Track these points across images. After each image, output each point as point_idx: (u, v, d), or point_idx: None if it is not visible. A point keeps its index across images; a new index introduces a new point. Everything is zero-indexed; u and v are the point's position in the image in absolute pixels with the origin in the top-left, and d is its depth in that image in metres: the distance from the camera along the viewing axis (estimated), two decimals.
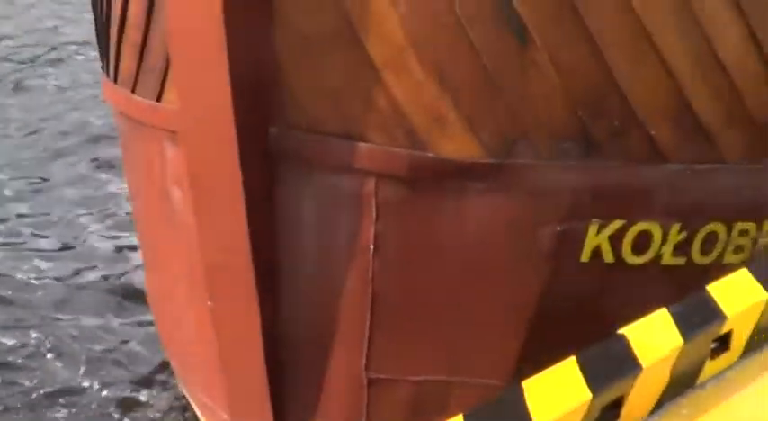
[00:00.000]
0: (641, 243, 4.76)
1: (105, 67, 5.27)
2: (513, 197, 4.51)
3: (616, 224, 4.68)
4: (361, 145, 4.34)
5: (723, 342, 4.05)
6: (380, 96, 4.29)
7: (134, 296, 7.29)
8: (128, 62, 4.86)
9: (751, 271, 4.18)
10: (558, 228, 4.61)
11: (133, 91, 4.86)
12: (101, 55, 5.38)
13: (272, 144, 4.35)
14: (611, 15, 4.29)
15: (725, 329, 3.99)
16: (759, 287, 4.07)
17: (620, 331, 3.84)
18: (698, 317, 3.94)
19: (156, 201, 5.02)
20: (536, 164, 4.48)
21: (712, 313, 3.97)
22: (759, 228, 5.00)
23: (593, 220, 4.65)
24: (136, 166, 5.24)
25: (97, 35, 5.37)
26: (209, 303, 4.62)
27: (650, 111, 4.49)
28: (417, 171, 4.41)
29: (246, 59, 4.15)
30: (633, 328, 3.87)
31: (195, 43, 4.13)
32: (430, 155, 4.38)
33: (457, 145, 4.38)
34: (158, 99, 4.68)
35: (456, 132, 4.36)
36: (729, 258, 4.98)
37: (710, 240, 4.90)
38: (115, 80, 5.06)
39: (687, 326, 3.87)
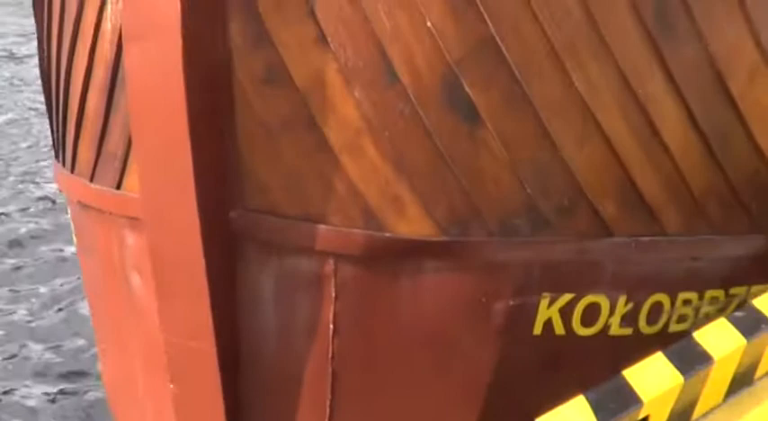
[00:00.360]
0: (590, 315, 4.92)
1: (61, 158, 5.36)
2: (467, 274, 4.66)
3: (566, 297, 4.85)
4: (320, 227, 4.48)
5: None
6: (338, 179, 4.44)
7: None
8: (86, 153, 4.96)
9: (666, 355, 4.32)
10: (511, 303, 4.77)
11: (91, 180, 4.96)
12: (55, 146, 5.48)
13: (233, 228, 4.46)
14: (557, 97, 4.50)
15: (642, 415, 4.10)
16: (675, 371, 4.20)
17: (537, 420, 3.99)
18: (614, 403, 4.04)
19: (114, 287, 5.09)
20: (488, 241, 4.64)
21: (629, 398, 4.06)
22: (701, 298, 5.20)
23: (545, 294, 4.81)
24: (93, 254, 5.31)
25: (52, 128, 5.47)
26: (170, 386, 4.69)
27: (596, 187, 4.68)
28: (375, 251, 4.54)
29: (208, 147, 4.28)
30: (551, 416, 4.00)
31: (158, 134, 4.25)
32: (387, 234, 4.52)
33: (412, 224, 4.53)
34: (118, 187, 4.78)
35: (411, 212, 4.51)
36: (674, 327, 5.16)
37: (656, 310, 5.08)
38: (72, 170, 5.16)
39: (604, 412, 3.98)
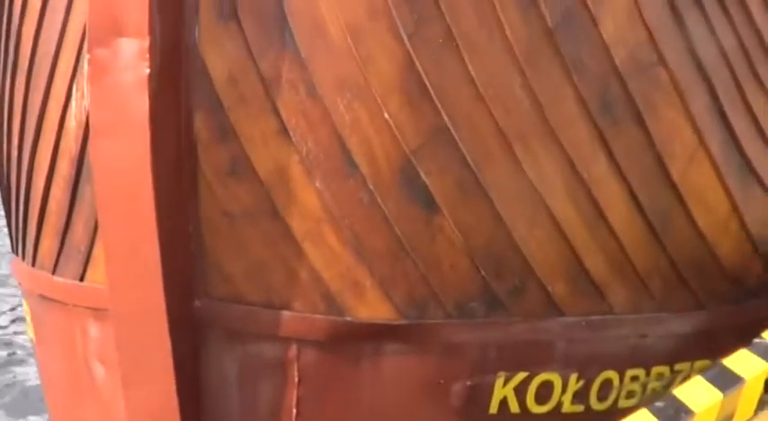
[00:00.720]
0: (544, 393, 5.09)
1: (20, 252, 5.44)
2: (425, 356, 4.82)
3: (520, 376, 5.01)
4: (284, 313, 4.61)
5: None
6: (301, 267, 4.58)
7: None
8: (48, 246, 5.05)
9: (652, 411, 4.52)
10: (468, 383, 4.92)
11: (54, 273, 5.04)
12: (14, 241, 5.55)
13: (198, 316, 4.57)
14: (509, 183, 4.71)
15: None
16: None
17: None
18: None
19: (75, 379, 5.15)
20: (445, 323, 4.80)
21: None
22: (647, 374, 5.39)
23: (500, 373, 4.97)
24: (53, 345, 5.37)
25: (10, 222, 5.55)
26: None
27: (547, 269, 4.88)
28: (336, 335, 4.68)
29: (174, 237, 4.41)
30: None
31: (126, 225, 4.37)
32: (348, 319, 4.67)
33: (372, 309, 4.68)
34: (81, 279, 4.87)
35: (372, 297, 4.66)
36: (623, 403, 5.34)
37: (606, 387, 5.26)
38: (33, 263, 5.23)
39: None
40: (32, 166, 5.05)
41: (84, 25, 4.56)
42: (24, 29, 4.97)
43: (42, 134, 4.93)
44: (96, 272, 4.79)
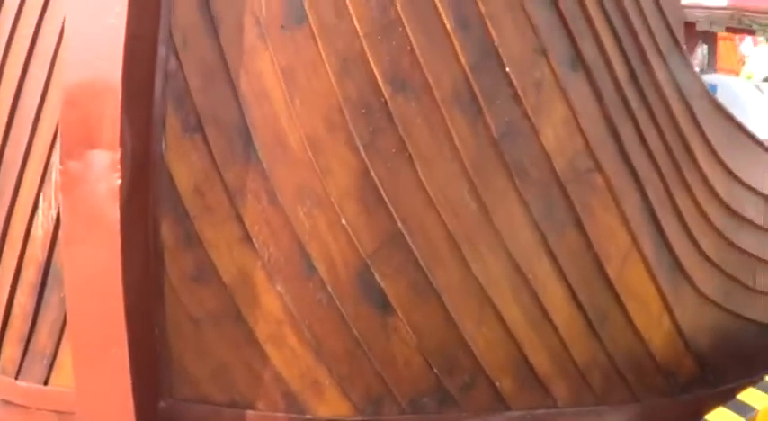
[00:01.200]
0: None
1: None
2: None
3: None
4: (247, 412, 4.80)
5: None
6: (263, 368, 4.78)
7: None
8: (11, 351, 5.17)
9: None
10: None
11: (17, 377, 5.16)
12: None
13: (162, 416, 4.73)
14: (458, 284, 4.98)
15: None
16: None
17: None
18: None
19: None
20: (400, 418, 5.01)
21: None
22: None
23: None
24: None
25: None
26: None
27: (495, 365, 5.13)
28: None
29: (141, 341, 4.59)
30: None
31: (95, 330, 4.54)
32: (308, 417, 4.86)
33: (331, 406, 4.88)
34: (46, 383, 5.00)
35: (330, 395, 4.86)
36: None
37: None
38: None
39: None
40: None
41: (53, 136, 4.79)
42: None
43: (8, 243, 5.09)
44: (61, 375, 4.93)
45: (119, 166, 4.41)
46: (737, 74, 13.69)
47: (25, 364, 5.12)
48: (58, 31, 4.74)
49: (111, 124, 4.40)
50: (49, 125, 4.81)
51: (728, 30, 12.57)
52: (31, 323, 5.02)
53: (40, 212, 4.89)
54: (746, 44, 14.33)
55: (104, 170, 4.42)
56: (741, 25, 13.13)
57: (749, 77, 13.36)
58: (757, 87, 8.65)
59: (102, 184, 4.43)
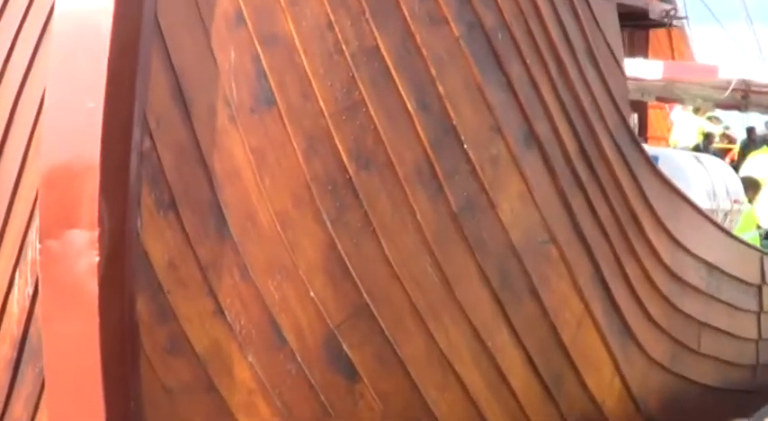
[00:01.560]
0: None
1: None
2: None
3: None
4: None
5: None
6: None
7: None
8: None
9: None
10: None
11: None
12: None
13: None
14: (422, 353, 5.20)
15: None
16: None
17: None
18: None
19: None
20: None
21: None
22: None
23: None
24: None
25: None
26: None
27: None
28: None
29: (118, 411, 4.72)
30: None
31: (73, 403, 4.67)
32: None
33: None
34: None
35: None
36: None
37: None
38: None
39: None
40: None
41: (29, 216, 4.93)
42: None
43: None
44: None
45: (97, 245, 4.58)
46: (667, 142, 14.18)
47: None
48: (34, 115, 4.91)
49: (90, 204, 4.57)
50: (25, 205, 4.96)
51: (659, 99, 13.03)
52: (6, 396, 5.12)
53: (15, 289, 5.02)
54: (675, 113, 14.85)
55: (83, 249, 4.59)
56: (672, 95, 13.63)
57: (674, 145, 13.84)
58: (696, 158, 9.03)
59: (80, 262, 4.59)
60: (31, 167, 4.96)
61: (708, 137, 14.19)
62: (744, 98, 12.83)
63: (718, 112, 15.17)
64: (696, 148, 13.38)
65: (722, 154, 14.02)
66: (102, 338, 4.62)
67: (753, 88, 11.93)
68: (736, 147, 14.66)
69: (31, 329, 5.00)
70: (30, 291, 4.97)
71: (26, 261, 4.99)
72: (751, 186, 9.82)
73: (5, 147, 5.09)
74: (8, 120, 5.07)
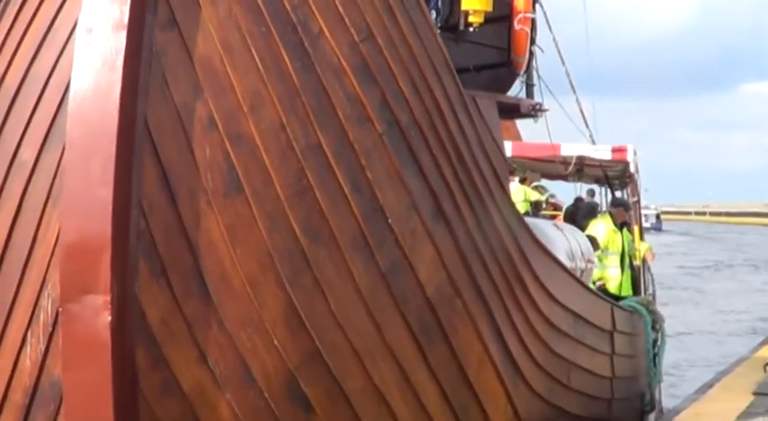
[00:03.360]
0: None
1: None
2: None
3: None
4: None
5: None
6: None
7: None
8: None
9: None
10: None
11: None
12: None
13: None
14: (362, 391, 6.42)
15: None
16: None
17: None
18: None
19: None
20: None
21: None
22: None
23: None
24: None
25: None
26: None
27: None
28: None
29: None
30: None
31: None
32: None
33: None
34: None
35: None
36: None
37: None
38: None
39: None
40: None
41: (40, 286, 6.00)
42: None
43: None
44: None
45: (109, 306, 5.69)
46: None
47: None
48: (46, 192, 5.98)
49: (104, 274, 5.68)
50: (37, 275, 6.02)
51: None
52: None
53: (28, 346, 6.05)
54: None
55: (98, 310, 5.68)
56: (519, 169, 15.26)
57: None
58: (556, 225, 10.54)
59: (97, 321, 5.68)
60: (41, 244, 6.03)
61: (536, 205, 15.43)
62: (579, 171, 14.61)
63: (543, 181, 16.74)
64: (526, 214, 14.90)
65: (549, 219, 15.52)
66: (113, 382, 5.71)
67: (586, 162, 13.69)
68: (561, 214, 16.20)
69: (42, 379, 6.03)
70: (42, 347, 6.02)
71: (38, 323, 6.03)
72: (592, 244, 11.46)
73: (15, 230, 6.14)
74: (18, 207, 6.14)
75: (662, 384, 13.14)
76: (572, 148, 12.66)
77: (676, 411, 9.55)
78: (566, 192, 17.60)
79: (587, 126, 13.60)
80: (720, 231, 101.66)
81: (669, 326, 16.76)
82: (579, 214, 15.24)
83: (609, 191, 16.45)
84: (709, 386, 10.80)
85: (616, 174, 14.83)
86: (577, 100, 13.48)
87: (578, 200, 16.34)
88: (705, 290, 38.64)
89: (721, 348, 22.71)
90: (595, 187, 17.14)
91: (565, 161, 13.11)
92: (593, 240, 11.54)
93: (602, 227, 12.60)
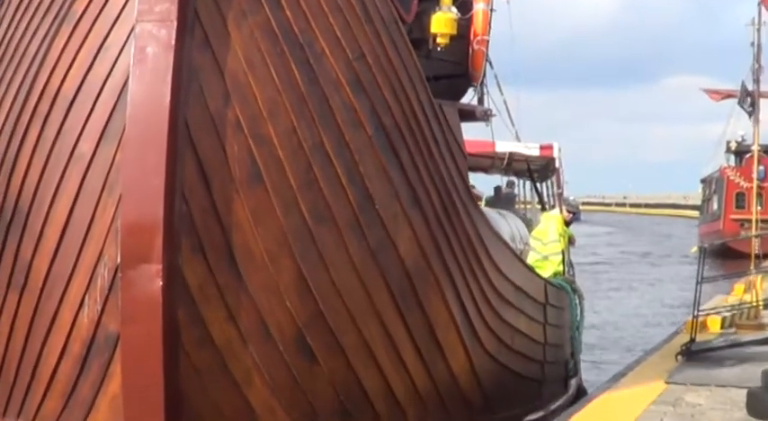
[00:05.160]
0: None
1: (17, 411, 7.86)
2: None
3: None
4: None
5: None
6: (238, 399, 7.45)
7: None
8: (53, 405, 7.57)
9: None
10: None
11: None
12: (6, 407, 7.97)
13: None
14: (355, 344, 7.90)
15: None
16: None
17: None
18: None
19: None
20: None
21: None
22: None
23: None
24: None
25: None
26: None
27: (375, 393, 8.06)
28: None
29: (169, 386, 7.15)
30: None
31: (141, 379, 7.09)
32: None
33: None
34: None
35: (280, 416, 7.59)
36: None
37: None
38: (33, 417, 7.69)
39: None
40: (42, 351, 7.60)
41: (98, 257, 7.35)
42: (36, 262, 7.62)
43: (55, 328, 7.52)
44: (97, 416, 7.39)
45: (161, 273, 7.06)
46: None
47: (66, 412, 7.53)
48: (102, 180, 7.32)
49: (157, 247, 7.05)
50: (95, 249, 7.36)
51: None
52: (74, 383, 7.46)
53: (86, 307, 7.41)
54: None
55: (152, 276, 7.06)
56: None
57: None
58: (499, 213, 12.13)
59: (151, 285, 7.05)
60: (97, 223, 7.37)
61: None
62: (509, 165, 16.21)
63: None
64: None
65: None
66: (163, 334, 7.09)
67: (515, 157, 15.31)
68: (482, 203, 17.72)
69: (98, 333, 7.39)
70: (99, 307, 7.37)
71: (96, 287, 7.37)
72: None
73: (74, 212, 7.47)
74: (77, 191, 7.47)
75: (580, 372, 14.09)
76: (505, 146, 14.25)
77: (588, 399, 9.96)
78: (484, 183, 19.06)
79: (513, 124, 15.18)
80: (641, 222, 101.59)
81: (592, 314, 17.98)
82: (499, 203, 16.80)
83: (530, 182, 18.12)
84: (622, 374, 11.08)
85: (537, 168, 16.52)
86: (505, 102, 14.99)
87: (497, 189, 17.89)
88: (628, 279, 38.96)
89: (640, 336, 23.24)
90: (514, 179, 18.76)
91: (498, 157, 14.71)
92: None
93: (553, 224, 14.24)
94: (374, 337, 8.02)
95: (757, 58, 41.79)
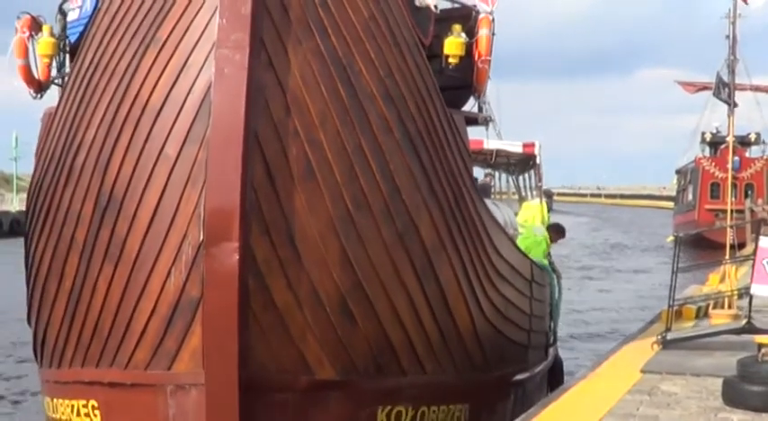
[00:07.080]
0: (397, 417, 10.01)
1: (110, 360, 9.64)
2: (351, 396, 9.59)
3: (387, 407, 9.90)
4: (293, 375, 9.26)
5: None
6: (290, 347, 9.26)
7: None
8: (143, 355, 9.35)
9: None
10: (366, 411, 9.74)
11: (146, 369, 9.35)
12: (100, 357, 9.73)
13: (254, 382, 9.07)
14: (386, 309, 9.77)
15: None
16: None
17: None
18: None
19: None
20: (358, 379, 9.63)
21: None
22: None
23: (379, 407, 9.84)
24: (132, 413, 9.54)
25: (96, 350, 9.74)
26: None
27: (400, 348, 9.89)
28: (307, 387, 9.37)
29: (243, 336, 8.94)
30: None
31: (220, 331, 8.89)
32: (315, 377, 9.37)
33: (326, 371, 9.44)
34: (169, 370, 9.23)
35: (326, 365, 9.42)
36: None
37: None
38: (125, 367, 9.45)
39: None
40: (134, 312, 9.34)
41: (182, 237, 9.11)
42: (129, 240, 9.36)
43: (145, 295, 9.27)
44: (180, 365, 9.16)
45: (239, 251, 8.84)
46: None
47: (153, 361, 9.30)
48: (187, 175, 9.06)
49: (235, 229, 8.83)
50: (180, 232, 9.11)
51: None
52: (161, 338, 9.23)
53: (172, 277, 9.17)
54: None
55: (231, 252, 8.84)
56: None
57: None
58: (494, 203, 14.02)
59: (230, 260, 8.83)
60: (182, 211, 9.10)
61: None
62: (495, 160, 18.14)
63: None
64: None
65: None
66: (239, 300, 8.86)
67: (500, 153, 17.25)
68: None
69: (183, 298, 9.14)
70: (183, 277, 9.13)
71: (181, 261, 9.11)
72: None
73: (162, 201, 9.20)
74: (164, 185, 9.22)
75: (557, 343, 15.86)
76: (492, 143, 16.12)
77: (564, 388, 10.28)
78: None
79: (495, 125, 17.07)
80: (617, 213, 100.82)
81: (567, 304, 19.32)
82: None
83: (509, 174, 20.11)
84: (598, 364, 11.49)
85: (515, 162, 18.57)
86: (488, 103, 16.86)
87: (475, 181, 19.80)
88: (603, 268, 40.15)
89: (615, 326, 24.34)
90: (492, 171, 20.66)
91: (484, 152, 16.62)
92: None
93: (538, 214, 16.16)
94: (400, 303, 9.85)
95: (733, 51, 42.70)
